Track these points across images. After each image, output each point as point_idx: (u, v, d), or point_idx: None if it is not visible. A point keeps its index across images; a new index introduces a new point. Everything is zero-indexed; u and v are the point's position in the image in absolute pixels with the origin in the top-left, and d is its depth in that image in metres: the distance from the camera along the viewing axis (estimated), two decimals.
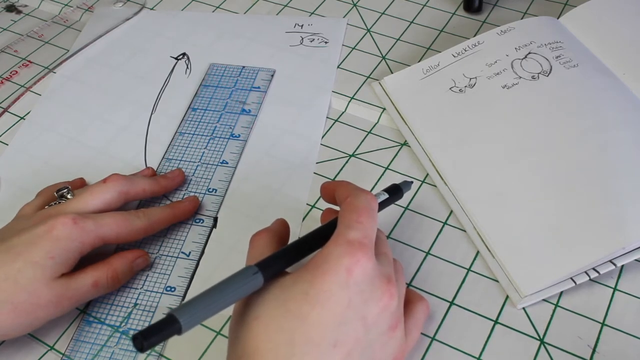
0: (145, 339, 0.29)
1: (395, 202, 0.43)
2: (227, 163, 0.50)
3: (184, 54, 0.59)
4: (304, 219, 0.46)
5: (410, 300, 0.38)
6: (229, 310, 0.33)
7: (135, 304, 0.42)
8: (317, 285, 0.31)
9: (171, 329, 0.29)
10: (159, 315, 0.41)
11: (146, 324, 0.41)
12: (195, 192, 0.48)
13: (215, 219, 0.46)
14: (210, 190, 0.48)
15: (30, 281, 0.37)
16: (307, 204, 0.47)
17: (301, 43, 0.59)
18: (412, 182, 0.43)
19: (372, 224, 0.34)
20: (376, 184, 0.48)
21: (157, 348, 0.40)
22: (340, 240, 0.32)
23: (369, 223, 0.34)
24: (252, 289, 0.32)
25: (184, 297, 0.42)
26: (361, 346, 0.31)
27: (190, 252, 0.44)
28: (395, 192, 0.41)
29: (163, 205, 0.45)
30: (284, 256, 0.34)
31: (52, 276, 0.37)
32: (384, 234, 0.39)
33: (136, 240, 0.43)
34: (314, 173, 0.49)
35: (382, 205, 0.40)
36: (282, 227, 0.39)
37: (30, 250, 0.37)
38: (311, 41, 0.59)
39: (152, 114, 0.54)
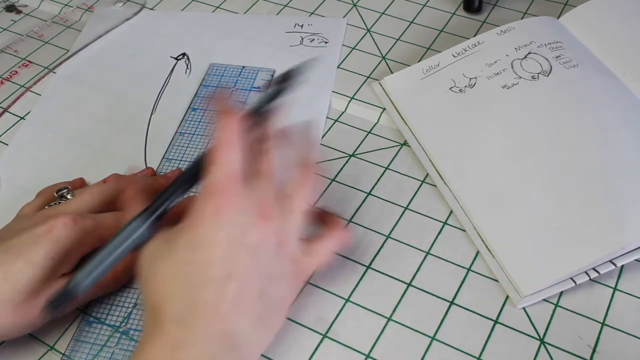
0: (50, 304, 0.34)
1: (289, 89, 0.39)
2: None
3: (184, 54, 0.59)
4: None
5: (327, 225, 0.40)
6: None
7: (135, 304, 0.42)
8: (196, 232, 0.33)
9: (68, 292, 0.34)
10: None
11: None
12: (195, 192, 0.48)
13: None
14: None
15: (31, 281, 0.37)
16: None
17: (301, 43, 0.59)
18: (310, 60, 0.40)
19: (232, 154, 0.35)
20: (376, 184, 0.48)
21: None
22: (204, 188, 0.34)
23: (226, 156, 0.34)
24: (140, 238, 0.35)
25: None
26: (255, 271, 0.34)
27: None
28: (283, 80, 0.39)
29: (150, 180, 0.45)
30: (156, 201, 0.36)
31: (53, 276, 0.37)
32: (271, 147, 0.38)
33: None
34: (314, 173, 0.49)
35: (269, 97, 0.38)
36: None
37: (31, 250, 0.37)
38: (311, 41, 0.59)
39: (152, 114, 0.54)
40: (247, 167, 0.35)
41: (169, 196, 0.36)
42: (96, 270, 0.34)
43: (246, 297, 0.33)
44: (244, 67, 0.57)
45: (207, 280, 0.33)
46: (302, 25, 0.61)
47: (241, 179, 0.34)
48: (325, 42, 0.59)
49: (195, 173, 0.36)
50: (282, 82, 0.38)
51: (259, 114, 0.38)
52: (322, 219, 0.40)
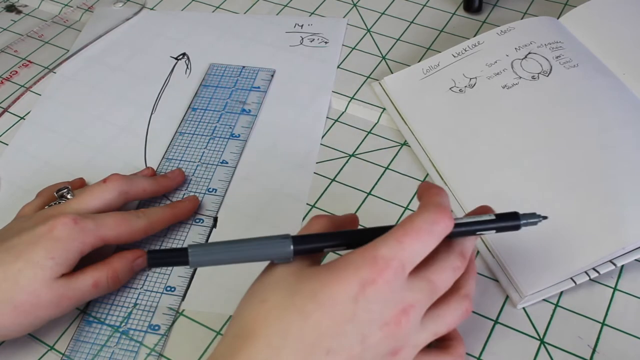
0: (152, 256, 0.32)
1: (493, 229, 0.34)
2: (227, 163, 0.50)
3: (184, 54, 0.59)
4: (303, 218, 0.46)
5: (450, 341, 0.36)
6: (229, 310, 0.33)
7: (135, 304, 0.42)
8: (326, 289, 0.30)
9: (180, 257, 0.32)
10: (159, 315, 0.41)
11: (146, 324, 0.41)
12: (195, 192, 0.48)
13: (215, 219, 0.46)
14: (210, 190, 0.48)
15: (31, 281, 0.37)
16: (307, 204, 0.47)
17: (301, 43, 0.59)
18: (542, 217, 0.35)
19: (417, 247, 0.31)
20: (376, 183, 0.48)
21: (158, 348, 0.40)
22: (367, 252, 0.31)
23: (411, 245, 0.31)
24: (277, 254, 0.32)
25: (183, 297, 0.42)
26: None
27: None
28: (507, 218, 0.34)
29: (163, 205, 0.45)
30: (323, 237, 0.33)
31: (53, 276, 0.37)
32: (459, 260, 0.34)
33: (136, 240, 0.43)
34: (314, 173, 0.49)
35: (481, 225, 0.34)
36: (346, 220, 0.38)
37: (31, 250, 0.37)
38: (311, 41, 0.59)
39: (152, 113, 0.54)
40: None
41: (335, 241, 0.33)
42: (215, 256, 0.32)
43: None
44: (244, 67, 0.57)
45: (305, 343, 0.30)
46: (302, 25, 0.61)
47: (408, 273, 0.31)
48: (325, 42, 0.59)
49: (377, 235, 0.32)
50: (508, 221, 0.34)
51: (463, 230, 0.34)
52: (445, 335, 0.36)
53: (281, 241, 0.32)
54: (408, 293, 0.31)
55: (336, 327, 0.30)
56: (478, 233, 0.34)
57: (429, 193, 0.34)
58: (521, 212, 0.35)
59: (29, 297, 0.36)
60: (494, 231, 0.34)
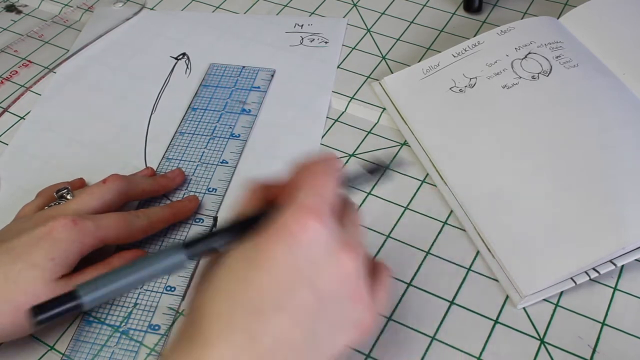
0: (40, 311, 0.28)
1: (380, 177, 0.36)
2: (227, 163, 0.50)
3: (184, 54, 0.59)
4: None
5: (377, 274, 0.35)
6: None
7: (135, 304, 0.42)
8: (261, 250, 0.29)
9: (70, 303, 0.28)
10: (159, 315, 0.41)
11: (146, 324, 0.41)
12: (195, 192, 0.48)
13: (215, 219, 0.46)
14: (210, 189, 0.48)
15: (31, 283, 0.37)
16: None
17: (301, 43, 0.59)
18: (401, 162, 0.36)
19: (331, 188, 0.31)
20: (376, 183, 0.48)
21: (158, 348, 0.40)
22: (290, 204, 0.29)
23: (326, 186, 0.30)
24: (173, 267, 0.31)
25: (183, 296, 0.42)
26: (312, 314, 0.29)
27: None
28: (376, 169, 0.36)
29: (163, 205, 0.45)
30: (215, 235, 0.32)
31: (52, 277, 0.37)
32: (355, 203, 0.35)
33: (136, 240, 0.43)
34: None
35: (357, 179, 0.35)
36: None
37: (31, 252, 0.37)
38: (311, 41, 0.59)
39: (152, 113, 0.54)
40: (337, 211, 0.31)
41: (218, 236, 0.32)
42: (106, 288, 0.29)
43: (291, 341, 0.29)
44: (244, 67, 0.57)
45: (254, 308, 0.29)
46: (302, 25, 0.61)
47: (333, 213, 0.30)
48: (326, 42, 0.59)
49: (257, 216, 0.31)
50: (375, 171, 0.35)
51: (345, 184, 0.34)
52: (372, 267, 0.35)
53: (173, 254, 0.31)
54: (343, 234, 0.31)
55: (280, 284, 0.29)
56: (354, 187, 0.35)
57: (301, 163, 0.33)
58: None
59: (28, 298, 0.36)
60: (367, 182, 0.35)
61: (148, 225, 0.42)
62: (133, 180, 0.44)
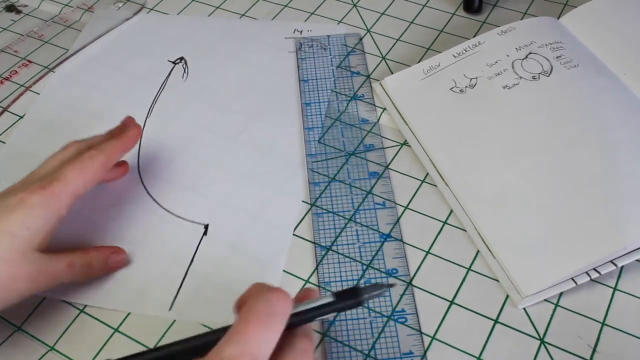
0: None
1: (357, 303, 0.32)
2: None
3: (181, 58, 0.58)
4: (302, 219, 0.46)
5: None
6: (216, 320, 0.33)
7: None
8: None
9: None
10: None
11: None
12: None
13: (206, 226, 0.46)
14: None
15: (8, 251, 0.36)
16: (304, 202, 0.47)
17: (300, 49, 0.58)
18: (387, 286, 0.33)
19: (264, 337, 0.28)
20: (376, 183, 0.48)
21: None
22: (213, 357, 0.28)
23: (257, 336, 0.28)
24: None
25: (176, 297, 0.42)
26: None
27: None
28: (347, 296, 0.32)
29: (107, 137, 0.44)
30: (147, 355, 0.31)
31: (29, 247, 0.37)
32: (306, 343, 0.32)
33: (104, 180, 0.43)
34: (313, 171, 0.49)
35: (321, 310, 0.32)
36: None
37: (5, 220, 0.37)
38: (310, 47, 0.58)
39: (147, 117, 0.54)
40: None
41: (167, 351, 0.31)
42: None
43: None
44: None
45: None
46: (301, 31, 0.60)
47: None
48: (324, 49, 0.58)
49: (209, 340, 0.30)
50: (347, 300, 0.32)
51: (301, 316, 0.32)
52: None
53: None
54: None
55: None
56: (318, 319, 0.32)
57: (255, 286, 0.32)
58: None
59: (6, 267, 0.36)
60: (335, 312, 0.32)
61: (105, 159, 0.42)
62: (103, 148, 0.42)
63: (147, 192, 0.48)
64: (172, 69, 0.58)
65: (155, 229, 0.46)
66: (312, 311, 0.32)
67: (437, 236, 0.45)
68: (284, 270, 0.43)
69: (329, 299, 0.32)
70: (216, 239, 0.45)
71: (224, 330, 0.29)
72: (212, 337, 0.30)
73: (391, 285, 0.33)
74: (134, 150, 0.51)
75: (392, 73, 0.55)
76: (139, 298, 0.42)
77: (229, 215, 0.46)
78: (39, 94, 0.57)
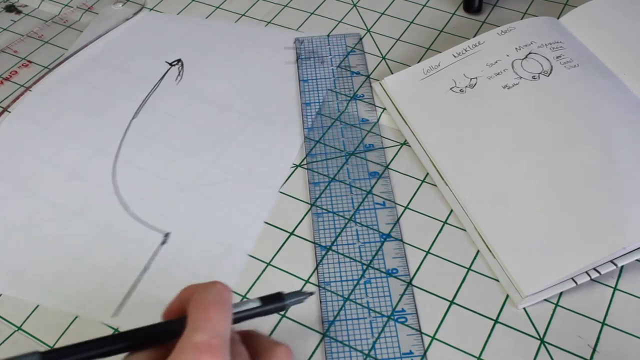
0: None
1: (286, 305, 0.35)
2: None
3: (178, 60, 0.58)
4: (301, 219, 0.46)
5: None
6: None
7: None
8: None
9: None
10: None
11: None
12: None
13: (167, 235, 0.46)
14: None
15: None
16: (304, 202, 0.47)
17: (298, 59, 0.58)
18: (308, 294, 0.35)
19: (224, 319, 0.30)
20: (376, 183, 0.48)
21: None
22: (186, 346, 0.28)
23: (219, 319, 0.30)
24: None
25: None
26: None
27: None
28: (272, 301, 0.34)
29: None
30: (79, 348, 0.30)
31: None
32: (236, 332, 0.33)
33: None
34: (312, 171, 0.49)
35: (251, 312, 0.34)
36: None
37: None
38: (308, 59, 0.58)
39: (132, 118, 0.54)
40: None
41: (95, 349, 0.31)
42: None
43: None
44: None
45: None
46: (302, 42, 0.60)
47: (228, 347, 0.29)
48: (322, 62, 0.58)
49: (158, 332, 0.31)
50: (273, 304, 0.34)
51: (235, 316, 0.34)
52: None
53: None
54: None
55: None
56: (245, 321, 0.34)
57: (184, 290, 0.33)
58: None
59: None
60: (261, 315, 0.34)
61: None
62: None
63: (117, 193, 0.48)
64: (168, 70, 0.58)
65: (116, 231, 0.45)
66: (240, 313, 0.34)
67: (437, 236, 0.45)
68: (284, 271, 0.43)
69: (256, 304, 0.34)
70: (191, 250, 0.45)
71: (175, 322, 0.31)
72: (167, 328, 0.32)
73: (311, 294, 0.35)
74: (113, 151, 0.51)
75: (392, 73, 0.55)
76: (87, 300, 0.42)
77: (227, 216, 0.46)
78: (39, 94, 0.56)
